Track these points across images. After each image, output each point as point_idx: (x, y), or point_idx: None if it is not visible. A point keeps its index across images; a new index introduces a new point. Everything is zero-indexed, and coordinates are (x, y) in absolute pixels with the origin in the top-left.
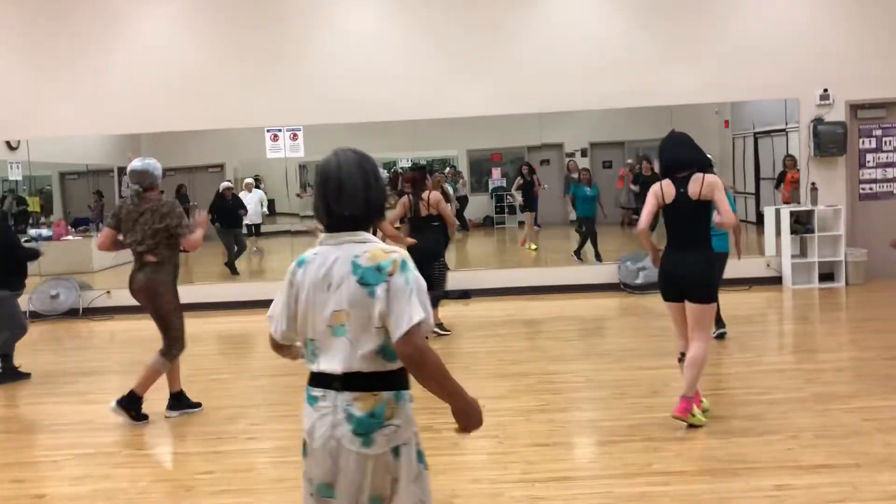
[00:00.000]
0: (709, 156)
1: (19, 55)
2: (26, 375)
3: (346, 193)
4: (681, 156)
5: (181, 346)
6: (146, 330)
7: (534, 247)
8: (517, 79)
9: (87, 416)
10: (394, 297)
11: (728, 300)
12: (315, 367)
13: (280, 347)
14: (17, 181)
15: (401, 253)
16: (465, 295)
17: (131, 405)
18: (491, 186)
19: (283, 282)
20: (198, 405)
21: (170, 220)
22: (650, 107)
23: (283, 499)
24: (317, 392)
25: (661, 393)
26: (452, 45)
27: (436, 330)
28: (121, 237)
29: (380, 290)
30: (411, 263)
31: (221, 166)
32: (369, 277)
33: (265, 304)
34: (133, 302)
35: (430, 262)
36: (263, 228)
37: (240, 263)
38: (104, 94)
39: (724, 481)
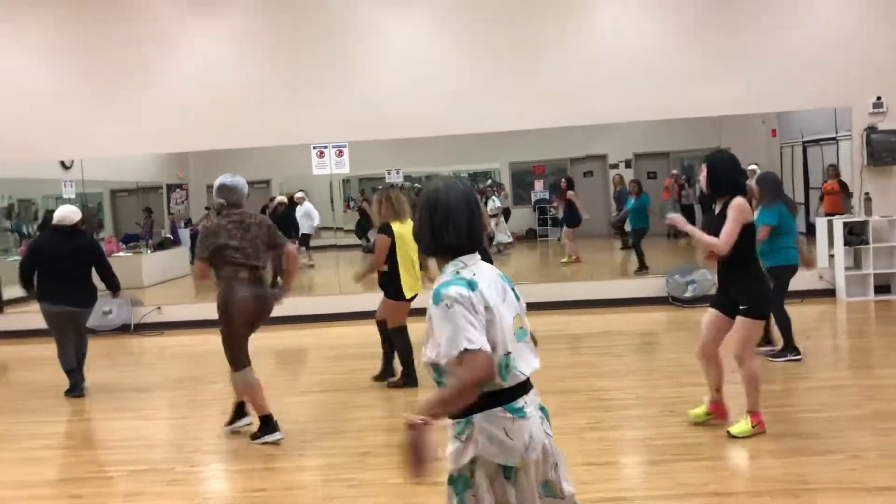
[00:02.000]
0: (752, 167)
1: (73, 78)
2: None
3: (453, 223)
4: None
5: None
6: (195, 345)
7: (564, 259)
8: (563, 92)
9: (140, 433)
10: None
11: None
12: (513, 380)
13: (488, 378)
14: (69, 199)
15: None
16: None
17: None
18: (534, 199)
19: (466, 311)
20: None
21: (277, 234)
22: (693, 118)
23: None
24: (520, 402)
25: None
26: (497, 60)
27: None
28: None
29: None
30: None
31: (268, 182)
32: (513, 288)
33: (314, 318)
34: (182, 317)
35: None
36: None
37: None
38: (154, 113)
39: (784, 503)
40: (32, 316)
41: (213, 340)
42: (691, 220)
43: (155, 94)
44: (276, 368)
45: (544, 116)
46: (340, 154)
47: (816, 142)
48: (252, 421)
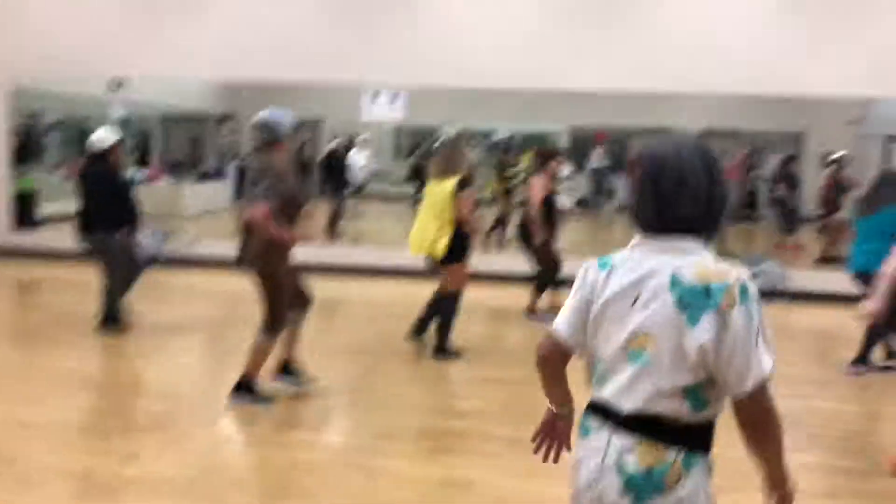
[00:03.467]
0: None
1: None
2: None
3: (688, 188)
4: None
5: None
6: (230, 284)
7: None
8: (647, 54)
9: (156, 379)
10: (733, 337)
11: (837, 317)
12: (597, 394)
13: (549, 364)
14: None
15: (739, 273)
16: None
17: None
18: (589, 167)
19: (575, 283)
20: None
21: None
22: (770, 96)
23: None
24: (592, 423)
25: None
26: (576, 11)
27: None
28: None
29: (706, 320)
30: (754, 288)
31: (318, 123)
32: (692, 300)
33: (359, 271)
34: (221, 253)
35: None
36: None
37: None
38: (210, 37)
39: None
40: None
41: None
42: (753, 205)
43: (217, 17)
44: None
45: (625, 78)
46: (395, 99)
47: None
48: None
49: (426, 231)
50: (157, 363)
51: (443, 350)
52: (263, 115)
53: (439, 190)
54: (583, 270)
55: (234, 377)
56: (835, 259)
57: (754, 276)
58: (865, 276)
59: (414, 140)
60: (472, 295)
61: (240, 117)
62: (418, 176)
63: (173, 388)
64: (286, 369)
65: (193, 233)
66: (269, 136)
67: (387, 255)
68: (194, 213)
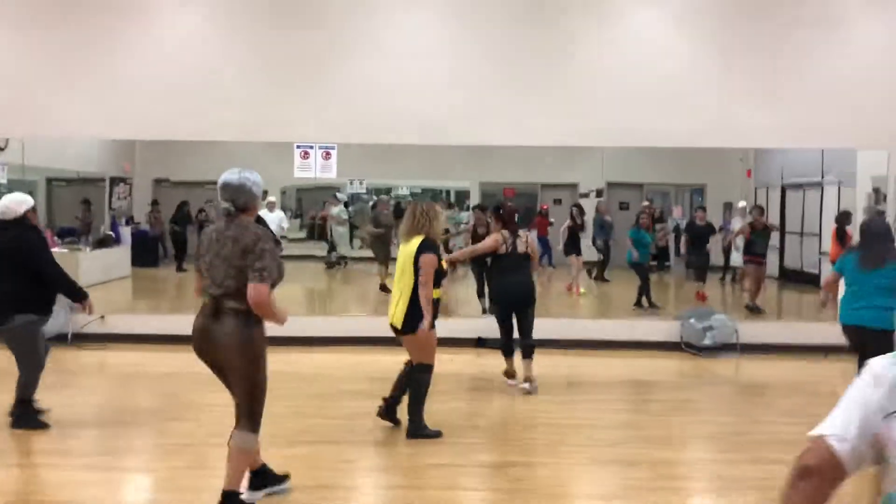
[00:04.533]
0: (741, 204)
1: (21, 42)
2: (44, 425)
3: None
4: None
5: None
6: (148, 365)
7: (583, 290)
8: (577, 108)
9: (77, 495)
10: None
11: (791, 368)
12: None
13: (814, 479)
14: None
15: None
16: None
17: None
18: None
19: (861, 387)
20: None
21: (251, 256)
22: (670, 148)
23: None
24: None
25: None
26: (508, 65)
27: (525, 385)
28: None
29: None
30: None
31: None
32: None
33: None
34: (130, 329)
35: (531, 305)
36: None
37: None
38: (115, 93)
39: None
40: None
41: (168, 360)
42: (665, 255)
43: (118, 73)
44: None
45: (556, 133)
46: (328, 156)
47: (799, 186)
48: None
49: (393, 297)
50: (87, 468)
51: (419, 429)
52: (236, 175)
53: (404, 251)
54: (872, 377)
55: (184, 482)
56: (759, 309)
57: (706, 330)
58: (871, 332)
59: (313, 198)
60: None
61: (134, 179)
62: (322, 235)
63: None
64: (257, 473)
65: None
66: (246, 201)
67: (318, 323)
68: (92, 283)
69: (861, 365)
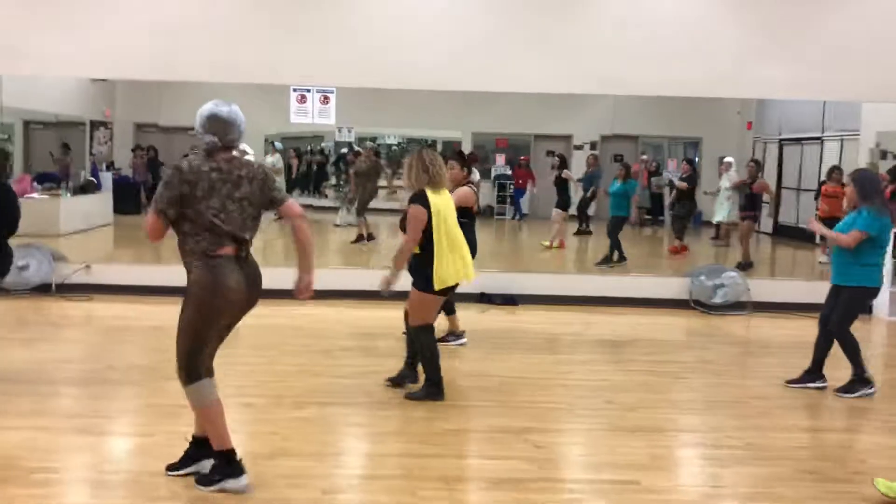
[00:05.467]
0: (729, 159)
1: None
2: None
3: None
4: None
5: None
6: (136, 318)
7: (546, 243)
8: (583, 55)
9: (51, 455)
10: None
11: (803, 327)
12: None
13: None
14: None
15: None
16: (511, 301)
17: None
18: (494, 173)
19: None
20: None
21: (276, 192)
22: (666, 102)
23: None
24: None
25: (863, 471)
26: (507, 10)
27: (459, 342)
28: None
29: None
30: None
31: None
32: None
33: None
34: (117, 280)
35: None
36: None
37: None
38: (98, 30)
39: None
40: None
41: (156, 313)
42: (659, 207)
43: (93, 6)
44: (251, 366)
45: (562, 80)
46: (326, 101)
47: (797, 140)
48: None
49: (457, 254)
50: (63, 431)
51: (435, 389)
52: (226, 108)
53: (444, 203)
54: None
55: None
56: (751, 265)
57: (717, 288)
58: None
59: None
60: None
61: (115, 123)
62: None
63: (89, 463)
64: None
65: (80, 255)
66: (234, 137)
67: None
68: (73, 230)
69: None
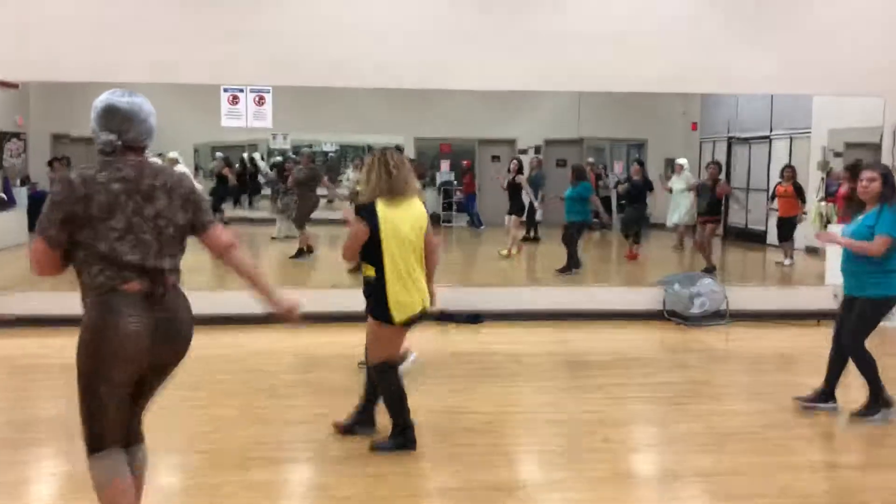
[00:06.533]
0: (681, 161)
1: None
2: None
3: None
4: None
5: None
6: (46, 356)
7: (504, 252)
8: (542, 50)
9: None
10: None
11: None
12: None
13: None
14: None
15: None
16: (475, 319)
17: None
18: (439, 180)
19: None
20: None
21: (202, 212)
22: (609, 104)
23: None
24: None
25: None
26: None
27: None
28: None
29: None
30: None
31: None
32: None
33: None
34: (29, 310)
35: None
36: None
37: None
38: (3, 28)
39: None
40: None
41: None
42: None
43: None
44: (180, 410)
45: (522, 77)
46: (261, 102)
47: (745, 140)
48: None
49: (412, 280)
50: None
51: (403, 436)
52: (125, 98)
53: (403, 217)
54: None
55: None
56: (714, 269)
57: (693, 297)
58: None
59: (234, 157)
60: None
61: (29, 134)
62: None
63: None
64: None
65: None
66: (138, 134)
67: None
68: None
69: None
